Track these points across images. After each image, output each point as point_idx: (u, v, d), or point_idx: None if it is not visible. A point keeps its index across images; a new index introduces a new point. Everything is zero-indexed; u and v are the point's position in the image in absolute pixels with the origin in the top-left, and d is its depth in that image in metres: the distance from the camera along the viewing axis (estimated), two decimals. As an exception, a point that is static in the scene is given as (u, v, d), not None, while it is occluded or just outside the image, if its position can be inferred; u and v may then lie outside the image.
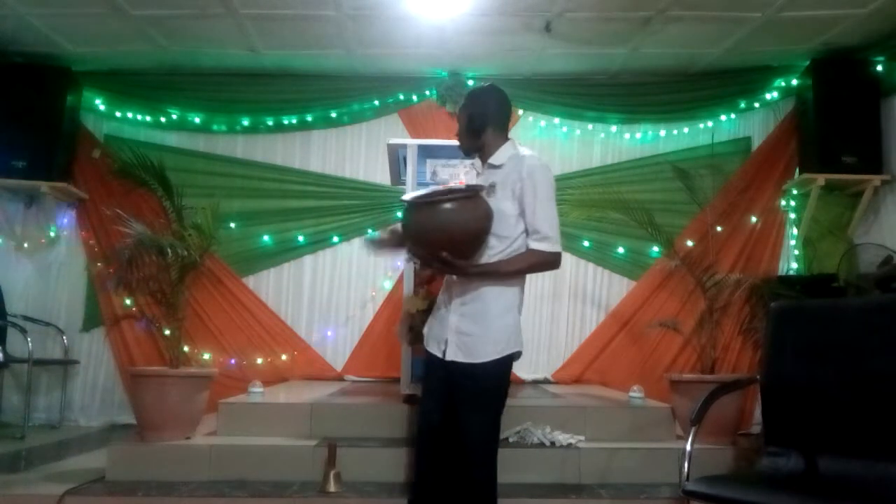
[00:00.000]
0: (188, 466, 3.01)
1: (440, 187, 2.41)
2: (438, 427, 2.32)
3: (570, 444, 3.14)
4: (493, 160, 2.34)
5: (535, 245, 2.26)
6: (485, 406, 2.27)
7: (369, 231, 5.12)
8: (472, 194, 2.20)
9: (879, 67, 4.58)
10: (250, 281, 5.09)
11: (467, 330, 2.27)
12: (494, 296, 2.27)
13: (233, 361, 4.86)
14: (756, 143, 5.07)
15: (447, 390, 2.30)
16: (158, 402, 3.15)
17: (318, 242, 5.13)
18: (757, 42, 4.51)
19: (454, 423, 2.28)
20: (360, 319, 5.09)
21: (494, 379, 2.28)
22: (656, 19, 4.22)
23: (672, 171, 4.25)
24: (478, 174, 2.45)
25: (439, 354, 2.31)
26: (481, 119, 2.35)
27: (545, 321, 5.08)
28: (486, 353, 2.24)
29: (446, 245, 2.14)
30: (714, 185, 4.38)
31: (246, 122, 5.18)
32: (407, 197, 2.33)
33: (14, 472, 3.25)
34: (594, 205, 4.40)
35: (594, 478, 3.04)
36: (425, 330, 2.46)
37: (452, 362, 2.26)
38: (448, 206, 2.14)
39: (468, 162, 2.52)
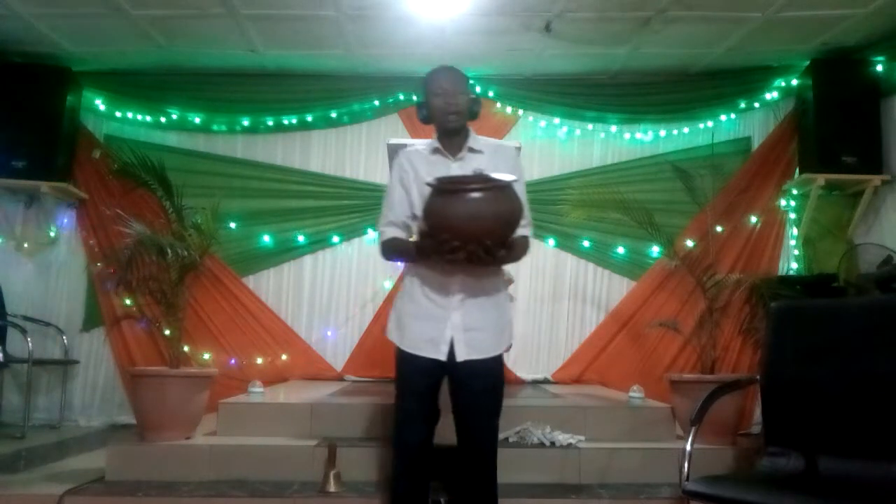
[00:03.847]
0: (188, 466, 3.01)
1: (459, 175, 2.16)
2: (425, 441, 2.23)
3: (570, 444, 3.14)
4: (473, 145, 2.29)
5: (522, 231, 2.20)
6: (498, 402, 2.25)
7: (369, 231, 5.13)
8: (513, 181, 2.07)
9: (879, 67, 4.58)
10: (250, 281, 5.09)
11: (477, 325, 2.18)
12: (497, 287, 2.25)
13: (233, 361, 4.86)
14: (756, 143, 5.07)
15: (437, 397, 2.23)
16: (158, 402, 3.15)
17: (318, 242, 5.13)
18: (757, 42, 4.51)
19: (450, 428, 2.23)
20: (360, 319, 5.09)
21: (502, 372, 2.27)
22: (656, 19, 4.22)
23: (672, 171, 4.25)
24: (452, 160, 2.27)
25: (441, 357, 2.17)
26: (479, 105, 2.35)
27: (545, 321, 5.09)
28: (496, 346, 2.21)
29: (495, 233, 1.99)
30: (714, 185, 4.38)
31: (246, 122, 5.18)
32: (472, 177, 2.05)
33: (14, 472, 3.25)
34: (594, 205, 4.40)
35: (594, 478, 3.04)
36: (410, 334, 2.22)
37: (465, 362, 2.15)
38: (508, 191, 2.02)
39: (422, 144, 2.35)
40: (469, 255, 1.96)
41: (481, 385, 2.18)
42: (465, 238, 1.95)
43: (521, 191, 2.17)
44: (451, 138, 2.29)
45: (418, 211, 2.21)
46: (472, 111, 2.31)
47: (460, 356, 2.16)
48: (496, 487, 2.23)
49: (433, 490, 2.56)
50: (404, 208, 2.29)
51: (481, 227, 1.95)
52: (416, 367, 2.20)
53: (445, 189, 2.00)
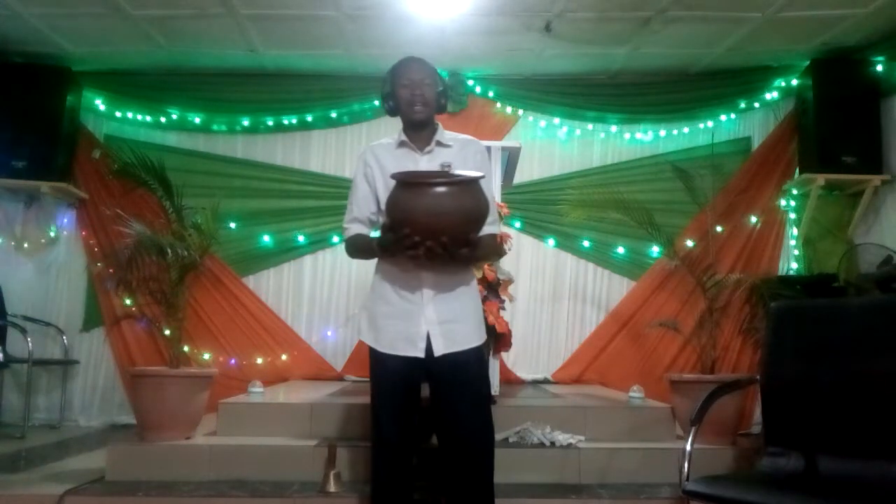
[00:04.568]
0: (188, 466, 3.01)
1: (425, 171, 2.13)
2: (401, 440, 2.18)
3: (570, 444, 3.14)
4: (441, 139, 2.25)
5: (489, 229, 2.15)
6: (484, 394, 2.21)
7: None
8: (480, 177, 2.02)
9: (879, 67, 4.58)
10: (250, 281, 5.09)
11: (453, 317, 2.12)
12: (466, 280, 2.21)
13: (233, 361, 4.86)
14: (756, 143, 5.07)
15: (417, 397, 2.19)
16: (158, 402, 3.15)
17: (318, 242, 5.14)
18: (757, 42, 4.51)
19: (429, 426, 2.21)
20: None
21: (485, 364, 2.24)
22: (656, 19, 4.22)
23: (672, 171, 4.25)
24: (419, 153, 2.23)
25: (419, 354, 2.10)
26: (447, 98, 2.30)
27: (545, 321, 5.08)
28: (474, 337, 2.16)
29: (458, 229, 1.91)
30: (714, 185, 4.38)
31: (246, 122, 5.18)
32: (437, 172, 2.01)
33: (14, 472, 3.25)
34: (594, 205, 4.39)
35: (594, 478, 3.04)
36: (384, 334, 2.16)
37: (444, 356, 2.08)
38: (474, 187, 1.97)
39: (388, 138, 2.30)
40: (427, 251, 1.89)
41: (463, 378, 2.11)
42: (427, 233, 1.88)
43: (488, 188, 2.12)
44: (419, 131, 2.23)
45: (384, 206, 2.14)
46: (440, 104, 2.26)
47: (438, 350, 2.10)
48: (493, 489, 2.15)
49: (431, 492, 2.57)
50: (369, 204, 2.24)
51: (444, 222, 1.88)
52: (393, 368, 2.14)
53: (409, 182, 1.93)
